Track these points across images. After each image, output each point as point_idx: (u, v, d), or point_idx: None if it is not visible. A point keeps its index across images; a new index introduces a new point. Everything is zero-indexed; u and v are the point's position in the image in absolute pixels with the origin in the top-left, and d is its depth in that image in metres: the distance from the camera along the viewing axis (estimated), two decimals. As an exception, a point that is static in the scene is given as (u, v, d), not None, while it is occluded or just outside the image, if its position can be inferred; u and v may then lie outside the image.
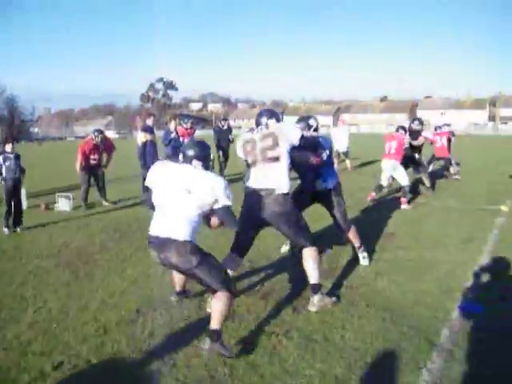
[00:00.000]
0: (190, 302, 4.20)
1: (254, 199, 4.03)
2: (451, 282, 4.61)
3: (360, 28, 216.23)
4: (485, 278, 4.78)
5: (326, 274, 4.89)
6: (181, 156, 3.46)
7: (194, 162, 3.37)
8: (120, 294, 4.43)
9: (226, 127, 12.32)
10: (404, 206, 8.49)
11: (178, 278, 4.09)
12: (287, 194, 3.99)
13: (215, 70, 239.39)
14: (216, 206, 3.27)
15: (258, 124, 4.12)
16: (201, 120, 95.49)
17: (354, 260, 5.36)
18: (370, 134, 70.37)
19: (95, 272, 5.10)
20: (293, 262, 5.32)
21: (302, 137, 4.00)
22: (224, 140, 12.13)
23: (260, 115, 4.13)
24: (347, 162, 14.83)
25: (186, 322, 3.77)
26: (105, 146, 9.22)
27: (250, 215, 4.11)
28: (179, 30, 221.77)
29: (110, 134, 56.55)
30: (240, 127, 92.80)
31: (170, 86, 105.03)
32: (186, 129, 12.14)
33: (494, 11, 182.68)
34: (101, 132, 9.17)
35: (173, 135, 10.64)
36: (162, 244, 3.21)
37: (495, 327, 3.64)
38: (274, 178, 3.93)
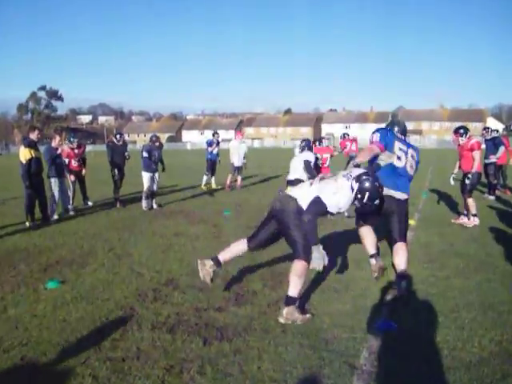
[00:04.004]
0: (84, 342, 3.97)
1: None
2: (366, 301, 4.81)
3: (258, 39, 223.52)
4: (397, 294, 5.03)
5: (238, 301, 4.88)
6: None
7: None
8: (-1, 339, 4.06)
9: (121, 142, 11.91)
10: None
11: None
12: None
13: (105, 79, 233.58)
14: None
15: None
16: (91, 134, 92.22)
17: (266, 284, 5.41)
18: (275, 147, 72.38)
19: (-32, 314, 4.64)
20: (200, 288, 5.25)
21: None
22: (119, 156, 11.70)
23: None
24: (238, 178, 15.14)
25: (71, 367, 3.53)
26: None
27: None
28: (64, 31, 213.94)
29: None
30: (135, 142, 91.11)
31: (55, 95, 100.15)
32: (73, 149, 11.53)
33: (395, 29, 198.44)
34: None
35: (58, 151, 10.09)
36: None
37: (410, 344, 3.84)
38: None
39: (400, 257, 5.17)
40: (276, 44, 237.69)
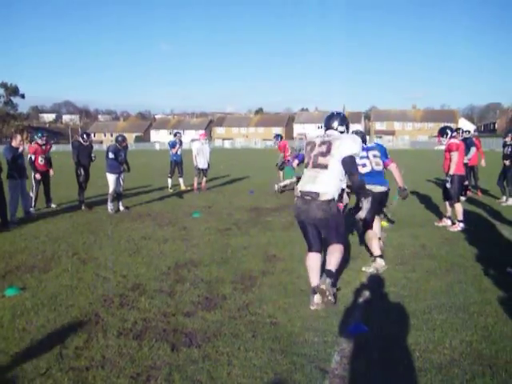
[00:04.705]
0: None
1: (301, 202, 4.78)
2: (338, 303, 4.85)
3: (229, 37, 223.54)
4: (369, 296, 5.12)
5: (207, 304, 4.87)
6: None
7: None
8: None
9: (88, 143, 11.72)
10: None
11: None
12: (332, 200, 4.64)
13: (70, 76, 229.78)
14: None
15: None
16: (55, 134, 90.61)
17: (236, 288, 5.41)
18: (246, 148, 72.30)
19: None
20: (168, 293, 5.22)
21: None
22: (85, 157, 11.52)
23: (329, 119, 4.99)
24: (204, 180, 15.11)
25: (30, 378, 3.46)
26: None
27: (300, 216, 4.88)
28: (25, 27, 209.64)
29: None
30: (102, 142, 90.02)
31: (15, 92, 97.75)
32: (41, 145, 11.36)
33: (369, 29, 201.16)
34: None
35: (20, 150, 9.86)
36: None
37: (382, 347, 3.89)
38: (320, 183, 4.65)
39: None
40: (247, 43, 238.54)
